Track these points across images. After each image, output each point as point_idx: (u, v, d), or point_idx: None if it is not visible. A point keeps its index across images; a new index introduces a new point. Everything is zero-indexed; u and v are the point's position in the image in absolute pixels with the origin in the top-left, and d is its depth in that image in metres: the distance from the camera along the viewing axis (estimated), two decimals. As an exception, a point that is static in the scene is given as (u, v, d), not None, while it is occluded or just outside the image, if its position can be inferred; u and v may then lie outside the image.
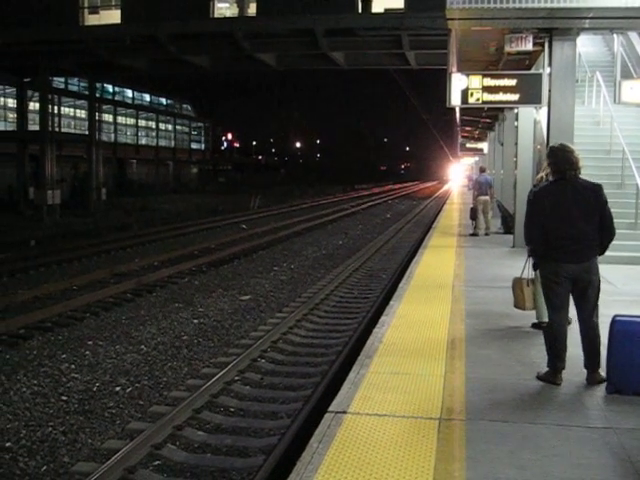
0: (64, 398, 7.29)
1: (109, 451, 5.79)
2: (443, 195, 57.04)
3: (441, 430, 4.29)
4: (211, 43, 27.39)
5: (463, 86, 11.15)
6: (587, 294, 5.25)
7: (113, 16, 27.10)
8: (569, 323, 5.56)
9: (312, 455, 3.90)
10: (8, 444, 6.09)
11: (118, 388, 7.64)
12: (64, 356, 8.78)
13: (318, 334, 10.03)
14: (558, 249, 5.21)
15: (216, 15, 26.70)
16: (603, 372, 5.23)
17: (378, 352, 6.19)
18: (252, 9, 26.44)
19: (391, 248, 20.38)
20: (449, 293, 9.21)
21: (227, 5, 27.72)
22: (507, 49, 10.75)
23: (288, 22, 24.98)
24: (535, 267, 5.79)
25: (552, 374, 5.31)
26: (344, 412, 4.58)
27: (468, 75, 11.21)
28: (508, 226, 16.73)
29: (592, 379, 5.27)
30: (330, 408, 4.67)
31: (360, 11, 25.20)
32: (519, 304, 7.05)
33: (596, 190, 5.24)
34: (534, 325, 7.07)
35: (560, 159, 5.32)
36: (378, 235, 24.13)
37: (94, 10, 27.86)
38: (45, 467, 5.67)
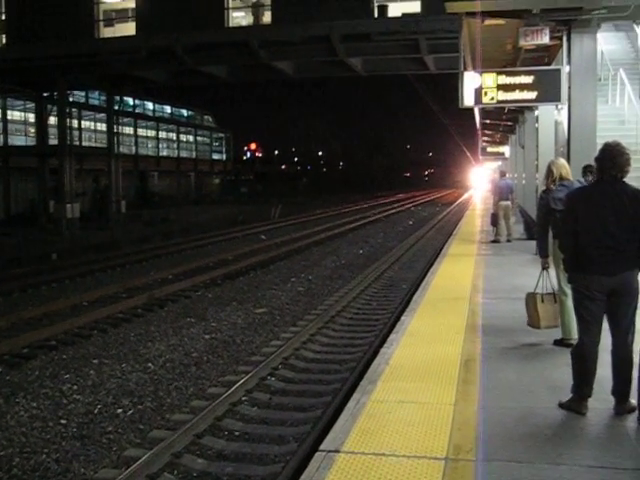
0: (63, 422, 6.98)
1: (101, 482, 5.45)
2: (466, 201, 56.46)
3: (447, 473, 3.78)
4: (227, 53, 27.16)
5: (477, 85, 10.61)
6: (622, 311, 4.67)
7: (129, 28, 27.02)
8: None
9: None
10: (-1, 474, 5.79)
11: (120, 410, 7.32)
12: (67, 376, 8.48)
13: (332, 349, 9.68)
14: (590, 259, 4.65)
15: (231, 24, 26.47)
16: (634, 400, 4.64)
17: (383, 376, 5.75)
18: (267, 17, 26.18)
19: (412, 256, 19.93)
20: (465, 306, 8.78)
21: (242, 14, 27.52)
22: (522, 43, 10.04)
23: (303, 29, 24.66)
24: (569, 280, 5.08)
25: (577, 402, 4.78)
26: (337, 451, 4.10)
27: (481, 73, 10.62)
28: (531, 232, 16.22)
29: (621, 409, 4.71)
30: (322, 446, 4.20)
31: (376, 16, 24.83)
32: (534, 322, 6.55)
33: (638, 197, 4.59)
34: (557, 342, 6.56)
35: (606, 158, 4.66)
36: (399, 243, 23.70)
37: (109, 23, 27.82)
38: (32, 501, 5.33)
